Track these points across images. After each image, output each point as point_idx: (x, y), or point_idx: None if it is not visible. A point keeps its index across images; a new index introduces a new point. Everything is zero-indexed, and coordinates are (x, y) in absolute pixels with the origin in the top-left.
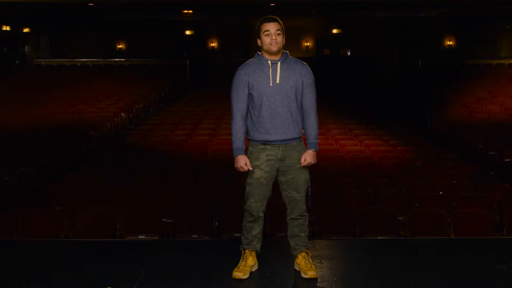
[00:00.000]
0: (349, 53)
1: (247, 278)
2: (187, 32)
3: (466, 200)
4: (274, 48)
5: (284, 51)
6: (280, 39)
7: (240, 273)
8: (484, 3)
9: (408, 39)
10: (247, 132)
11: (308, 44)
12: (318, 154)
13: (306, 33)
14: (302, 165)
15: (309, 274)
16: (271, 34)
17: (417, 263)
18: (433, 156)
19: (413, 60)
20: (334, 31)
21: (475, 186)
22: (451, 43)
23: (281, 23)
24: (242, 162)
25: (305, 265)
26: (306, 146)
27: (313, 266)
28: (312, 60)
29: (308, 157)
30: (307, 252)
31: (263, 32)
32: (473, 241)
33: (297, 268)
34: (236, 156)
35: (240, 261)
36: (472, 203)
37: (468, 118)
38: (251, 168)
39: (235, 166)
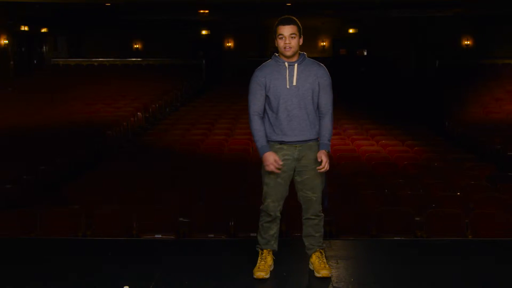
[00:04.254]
0: (365, 53)
1: (268, 277)
2: (203, 32)
3: (483, 201)
4: (288, 53)
5: (302, 53)
6: (294, 42)
7: (263, 273)
8: (501, 3)
9: (425, 39)
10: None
11: (324, 44)
12: (334, 154)
13: (322, 32)
14: (319, 166)
15: (322, 273)
16: (285, 38)
17: (433, 264)
18: (450, 157)
19: (430, 60)
20: (351, 30)
21: (493, 186)
22: (468, 42)
23: (298, 23)
24: (271, 159)
25: (318, 264)
26: (319, 147)
27: (326, 265)
28: (328, 60)
29: (324, 156)
30: (321, 252)
31: (278, 35)
32: (491, 242)
33: (311, 267)
34: (263, 154)
35: (259, 261)
36: (490, 204)
37: (485, 118)
38: (281, 163)
39: (265, 164)
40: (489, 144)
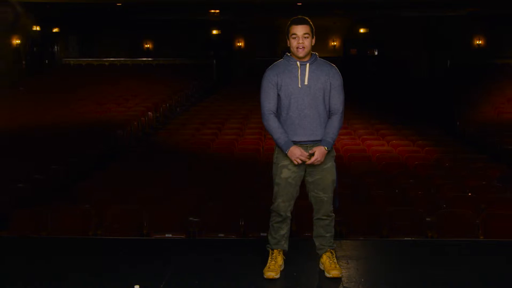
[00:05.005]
0: (376, 53)
1: (278, 277)
2: (214, 32)
3: (495, 202)
4: (301, 54)
5: (313, 53)
6: (307, 42)
7: (273, 273)
8: None
9: (436, 38)
10: None
11: (335, 43)
12: (345, 153)
13: (333, 32)
14: (307, 162)
15: (333, 273)
16: (298, 38)
17: (444, 264)
18: (462, 157)
19: (442, 59)
20: (361, 30)
21: (505, 187)
22: (480, 42)
23: (311, 24)
24: (298, 152)
25: (329, 264)
26: (321, 142)
27: (337, 265)
28: (339, 60)
29: (317, 152)
30: (331, 252)
31: (291, 35)
32: (503, 243)
33: (322, 267)
34: (288, 149)
35: (270, 261)
36: (502, 204)
37: (497, 118)
38: (307, 154)
39: (292, 159)
40: (501, 144)
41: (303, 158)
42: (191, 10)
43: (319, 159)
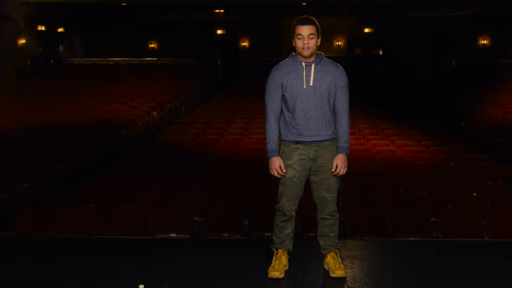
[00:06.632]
0: (381, 53)
1: (282, 277)
2: (219, 32)
3: (500, 202)
4: (306, 53)
5: (319, 53)
6: (312, 43)
7: (277, 272)
8: None
9: (442, 38)
10: (279, 132)
11: (339, 43)
12: (350, 154)
13: (338, 32)
14: (334, 173)
15: (337, 273)
16: (303, 38)
17: (449, 264)
18: (467, 157)
19: (447, 59)
20: (366, 30)
21: (510, 187)
22: (485, 42)
23: (317, 24)
24: (277, 164)
25: (333, 264)
26: (337, 150)
27: (341, 265)
28: (344, 59)
29: (339, 162)
30: (336, 252)
31: (296, 35)
32: (508, 244)
33: (326, 267)
34: (270, 158)
35: (274, 261)
36: (507, 204)
37: (503, 118)
38: (284, 171)
39: (269, 167)
40: (506, 144)
41: (279, 171)
42: (196, 10)
43: (343, 166)
